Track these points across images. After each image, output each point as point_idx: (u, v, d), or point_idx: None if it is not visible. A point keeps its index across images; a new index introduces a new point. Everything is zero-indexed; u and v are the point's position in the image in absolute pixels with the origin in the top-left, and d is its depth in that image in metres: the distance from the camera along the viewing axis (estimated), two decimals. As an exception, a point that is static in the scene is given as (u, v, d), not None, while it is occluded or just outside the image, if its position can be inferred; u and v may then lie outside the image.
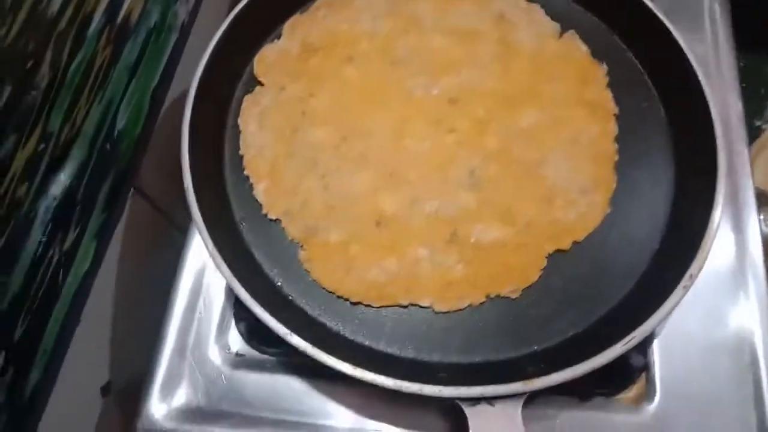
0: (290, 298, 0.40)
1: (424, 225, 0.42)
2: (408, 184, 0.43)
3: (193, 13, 0.53)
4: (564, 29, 0.48)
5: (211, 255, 0.38)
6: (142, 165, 0.48)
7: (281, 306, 0.39)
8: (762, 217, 0.48)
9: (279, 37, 0.49)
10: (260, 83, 0.47)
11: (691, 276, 0.37)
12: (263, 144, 0.44)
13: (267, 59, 0.48)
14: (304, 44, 0.48)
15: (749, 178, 0.48)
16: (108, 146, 0.43)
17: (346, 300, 0.40)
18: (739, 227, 0.46)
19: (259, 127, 0.45)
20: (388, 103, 0.46)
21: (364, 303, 0.40)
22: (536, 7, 0.49)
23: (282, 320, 0.36)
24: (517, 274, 0.41)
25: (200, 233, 0.39)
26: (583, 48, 0.47)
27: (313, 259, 0.41)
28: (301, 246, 0.42)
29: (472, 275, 0.41)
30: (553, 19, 0.49)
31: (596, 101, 0.46)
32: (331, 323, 0.39)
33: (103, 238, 0.44)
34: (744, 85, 0.68)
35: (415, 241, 0.41)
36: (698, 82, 0.43)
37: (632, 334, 0.36)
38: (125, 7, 0.43)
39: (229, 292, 0.45)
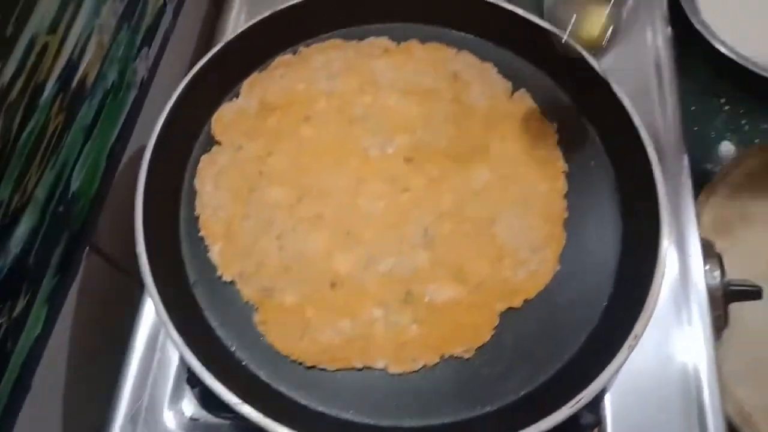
0: (243, 363, 0.40)
1: (378, 285, 0.42)
2: (363, 244, 0.44)
3: (153, 69, 0.54)
4: (516, 88, 0.50)
5: (162, 322, 0.38)
6: (99, 222, 0.48)
7: (234, 372, 0.39)
8: (707, 267, 0.49)
9: (237, 95, 0.50)
10: (218, 143, 0.48)
11: (635, 336, 0.38)
12: (219, 204, 0.45)
13: (225, 118, 0.49)
14: (262, 103, 0.49)
15: (695, 230, 0.50)
16: (61, 209, 0.43)
17: (301, 364, 0.40)
18: (685, 277, 0.48)
19: (215, 187, 0.46)
20: (345, 162, 0.47)
21: (319, 367, 0.40)
22: (489, 65, 0.51)
23: (233, 388, 0.36)
24: (469, 333, 0.41)
25: (152, 299, 0.39)
26: (534, 106, 0.49)
27: (269, 321, 0.41)
28: (256, 308, 0.42)
29: (426, 335, 0.41)
30: (505, 77, 0.50)
31: (546, 159, 0.47)
32: (284, 389, 0.39)
33: (55, 302, 0.43)
34: (696, 128, 0.70)
35: (369, 301, 0.42)
36: (641, 141, 0.45)
37: (580, 395, 0.37)
38: (81, 71, 0.43)
39: (184, 355, 0.44)
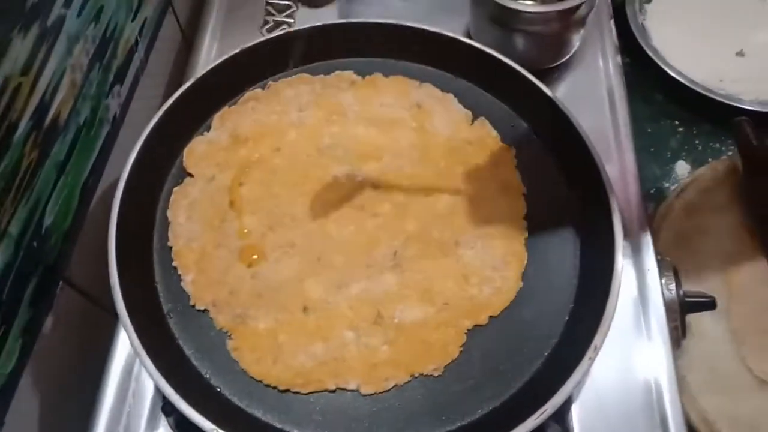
0: (218, 389, 0.41)
1: (349, 308, 0.44)
2: (334, 269, 0.45)
3: (125, 105, 0.55)
4: (475, 116, 0.52)
5: (136, 352, 0.39)
6: (73, 256, 0.49)
7: (209, 398, 0.40)
8: (663, 281, 0.52)
9: (208, 129, 0.52)
10: (190, 175, 0.49)
11: (595, 348, 0.40)
12: (191, 235, 0.46)
13: (196, 151, 0.50)
14: (234, 135, 0.51)
15: (651, 246, 0.52)
16: (35, 243, 0.44)
17: (274, 388, 0.41)
18: (643, 290, 0.50)
19: (187, 218, 0.47)
20: (315, 191, 0.48)
21: (292, 390, 0.41)
22: (450, 96, 0.53)
23: (208, 414, 0.37)
24: (438, 351, 0.43)
25: (125, 329, 0.39)
26: (494, 133, 0.51)
27: (242, 347, 0.42)
28: (230, 335, 0.43)
29: (396, 355, 0.42)
30: (465, 107, 0.53)
31: (506, 182, 0.49)
32: (259, 413, 0.40)
33: (29, 335, 0.43)
34: (652, 149, 0.74)
35: (341, 324, 0.43)
36: (595, 163, 0.47)
37: (545, 407, 0.38)
38: (53, 109, 0.44)
39: (159, 384, 0.45)
